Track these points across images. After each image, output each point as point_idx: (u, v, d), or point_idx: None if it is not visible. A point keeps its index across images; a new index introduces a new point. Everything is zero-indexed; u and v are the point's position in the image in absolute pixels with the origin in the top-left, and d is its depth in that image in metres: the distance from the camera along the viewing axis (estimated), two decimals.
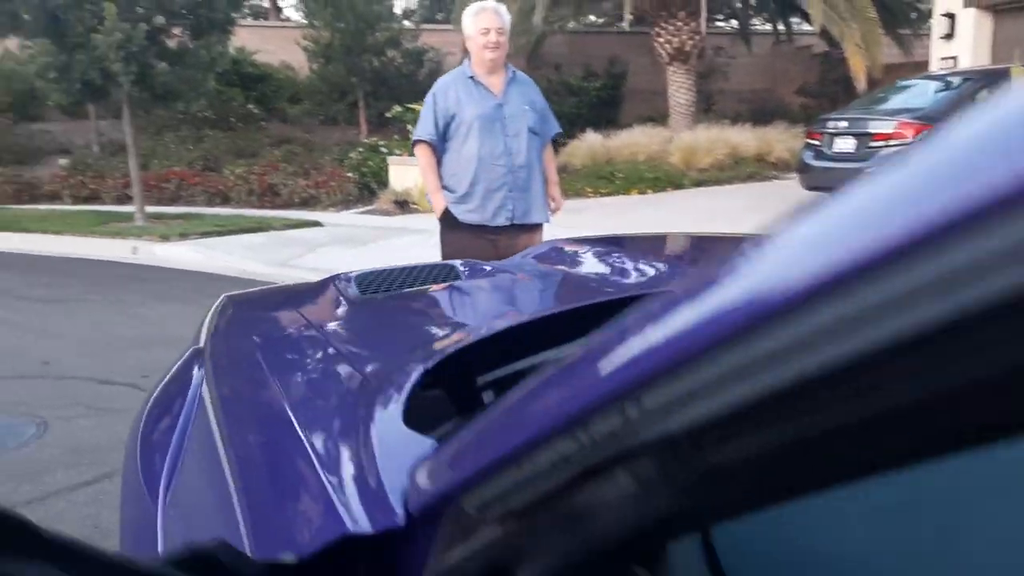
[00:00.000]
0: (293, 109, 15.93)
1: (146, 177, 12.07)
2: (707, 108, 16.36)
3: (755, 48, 17.43)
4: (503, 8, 3.58)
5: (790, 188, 9.95)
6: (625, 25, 13.98)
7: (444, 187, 3.55)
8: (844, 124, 8.55)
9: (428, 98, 3.55)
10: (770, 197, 10.55)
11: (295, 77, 16.20)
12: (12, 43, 11.70)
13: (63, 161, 13.38)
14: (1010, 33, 11.74)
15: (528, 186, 3.53)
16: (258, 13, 22.19)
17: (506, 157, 3.47)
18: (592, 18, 19.43)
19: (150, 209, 10.30)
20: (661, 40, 14.38)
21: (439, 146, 3.53)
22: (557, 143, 13.39)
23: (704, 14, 12.79)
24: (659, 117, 14.90)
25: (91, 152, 13.94)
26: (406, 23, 17.11)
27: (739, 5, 17.36)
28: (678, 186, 12.04)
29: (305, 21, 15.57)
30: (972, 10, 11.87)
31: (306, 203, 11.66)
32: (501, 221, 3.49)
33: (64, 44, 8.55)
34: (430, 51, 16.25)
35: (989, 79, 8.31)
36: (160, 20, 8.82)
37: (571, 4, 14.91)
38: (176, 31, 9.45)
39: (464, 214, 3.49)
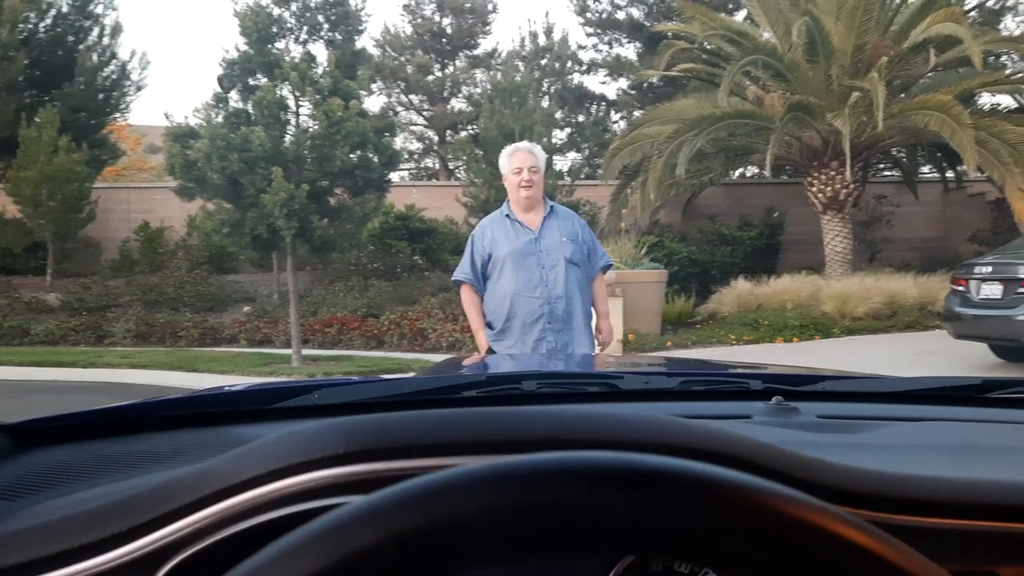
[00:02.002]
0: (454, 260, 16.89)
1: (312, 322, 13.14)
2: (871, 257, 15.81)
3: (924, 196, 16.83)
4: (538, 148, 3.73)
5: (949, 339, 9.35)
6: (768, 174, 14.01)
7: (488, 325, 3.65)
8: (989, 269, 8.04)
9: (468, 240, 3.74)
10: (925, 346, 9.93)
11: (457, 231, 17.27)
12: (211, 205, 13.41)
13: (246, 308, 14.79)
14: None
15: (569, 318, 3.55)
16: (431, 174, 24.08)
17: (542, 288, 3.52)
18: (754, 170, 19.59)
19: (308, 352, 11.14)
20: (814, 189, 14.27)
21: (479, 286, 3.65)
22: (708, 291, 13.26)
23: (849, 164, 12.60)
24: (817, 266, 14.57)
25: (271, 300, 15.34)
26: (564, 180, 17.97)
27: (901, 154, 16.95)
28: (827, 334, 11.60)
29: (467, 179, 16.74)
30: None
31: (453, 347, 12.17)
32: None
33: (240, 203, 9.71)
34: (586, 204, 16.90)
35: None
36: (323, 182, 9.87)
37: (720, 157, 15.15)
38: (337, 190, 10.48)
39: (504, 351, 3.54)
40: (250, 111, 10.20)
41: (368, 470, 0.54)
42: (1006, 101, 15.29)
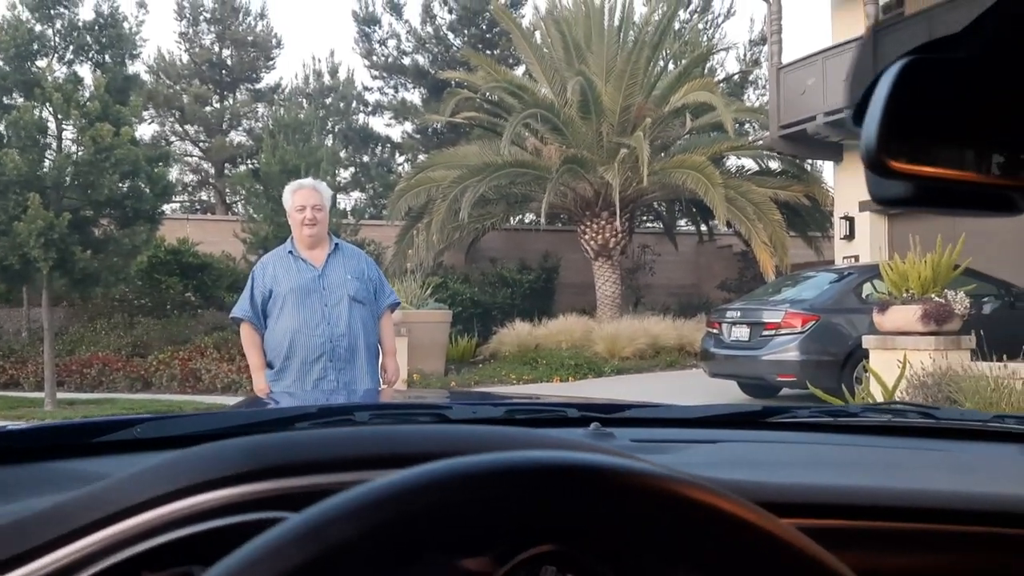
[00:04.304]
0: (230, 297, 16.20)
1: (69, 363, 12.07)
2: (636, 301, 16.98)
3: (682, 247, 18.39)
4: (323, 185, 3.71)
5: (704, 377, 10.21)
6: (543, 221, 14.80)
7: (268, 364, 3.53)
8: (739, 314, 8.96)
9: (249, 276, 3.62)
10: (684, 384, 10.79)
11: (235, 267, 16.61)
12: None
13: None
14: (904, 232, 12.60)
15: (352, 356, 3.49)
16: (207, 208, 23.04)
17: (324, 326, 3.44)
18: (532, 217, 20.49)
19: (64, 395, 10.23)
20: (587, 237, 15.18)
21: (259, 324, 3.53)
22: (489, 331, 13.50)
23: (619, 215, 13.59)
24: (589, 308, 15.43)
25: (19, 338, 13.92)
26: (349, 219, 17.86)
27: (663, 208, 18.48)
28: (599, 373, 12.29)
29: (246, 214, 16.20)
30: (867, 213, 12.77)
31: (228, 388, 11.64)
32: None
33: None
34: (371, 244, 16.87)
35: (870, 273, 8.85)
36: (87, 212, 9.19)
37: (501, 203, 15.76)
38: (104, 220, 9.79)
39: (282, 390, 3.41)
40: (2, 132, 9.35)
41: (271, 488, 0.56)
42: (749, 164, 17.12)
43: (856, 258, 12.71)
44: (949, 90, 0.45)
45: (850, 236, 13.09)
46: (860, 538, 0.74)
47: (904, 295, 7.27)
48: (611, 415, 1.18)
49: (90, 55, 10.13)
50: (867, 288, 8.70)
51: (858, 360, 8.04)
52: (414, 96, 24.02)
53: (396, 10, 23.29)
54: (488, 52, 20.27)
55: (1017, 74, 0.45)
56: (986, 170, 0.45)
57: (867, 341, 7.57)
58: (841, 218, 13.20)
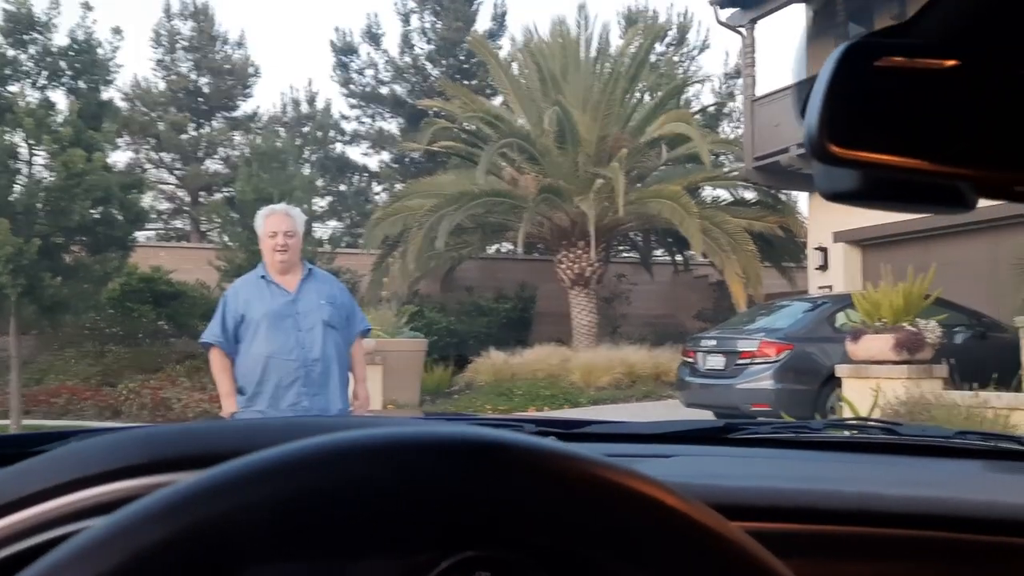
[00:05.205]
0: (203, 325, 16.01)
1: (36, 392, 11.85)
2: (613, 330, 17.00)
3: (657, 277, 18.47)
4: (296, 211, 3.71)
5: (680, 406, 10.21)
6: (520, 250, 14.84)
7: (239, 391, 3.50)
8: (714, 343, 8.97)
9: (220, 301, 3.61)
10: (660, 414, 10.78)
11: (209, 295, 16.46)
12: None
13: None
14: (877, 261, 12.75)
15: (325, 381, 3.48)
16: (182, 235, 22.88)
17: (299, 351, 3.43)
18: (509, 246, 20.54)
19: (29, 422, 10.01)
20: (563, 267, 15.20)
21: (229, 349, 3.50)
22: (465, 361, 13.42)
23: (594, 244, 13.64)
24: (565, 337, 15.40)
25: None
26: (325, 247, 17.81)
27: (639, 238, 18.58)
28: (575, 404, 12.24)
29: (221, 242, 16.10)
30: (841, 244, 12.91)
31: (199, 417, 11.47)
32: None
33: None
34: (347, 272, 16.80)
35: (843, 302, 8.92)
36: (58, 238, 9.09)
37: (478, 232, 15.77)
38: (75, 247, 9.68)
39: (253, 417, 3.37)
40: None
41: (168, 480, 0.53)
42: (724, 195, 17.27)
43: (830, 288, 12.82)
44: (894, 74, 0.44)
45: (824, 266, 13.20)
46: (813, 543, 0.72)
47: (877, 324, 7.33)
48: (569, 431, 1.16)
49: (63, 80, 10.06)
50: (841, 317, 8.76)
51: (832, 389, 8.07)
52: (391, 125, 24.12)
53: (374, 40, 23.45)
54: (466, 82, 20.39)
55: (966, 60, 0.44)
56: (933, 158, 0.44)
57: (840, 370, 7.61)
58: (815, 248, 13.32)
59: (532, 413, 11.44)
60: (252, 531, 0.40)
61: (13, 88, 9.78)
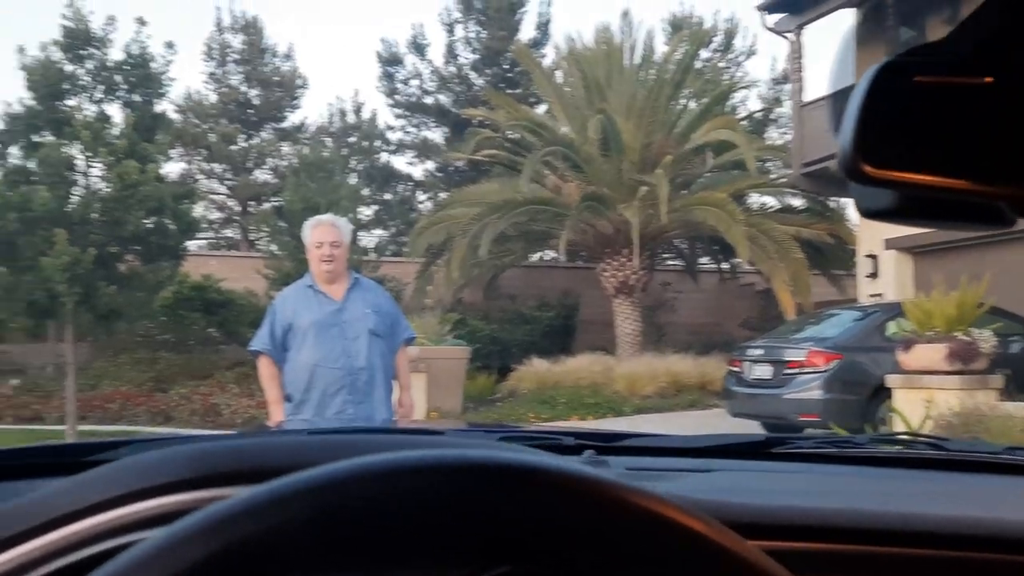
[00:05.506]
0: (252, 333, 16.26)
1: (92, 397, 12.15)
2: (657, 339, 16.89)
3: (703, 284, 18.30)
4: (342, 221, 3.76)
5: (727, 416, 10.09)
6: (563, 258, 14.82)
7: (287, 398, 3.54)
8: (761, 352, 8.86)
9: (268, 310, 3.67)
10: (706, 423, 10.66)
11: (257, 303, 16.72)
12: None
13: (14, 382, 13.46)
14: (929, 270, 12.47)
15: (370, 390, 3.51)
16: (231, 244, 23.29)
17: (344, 359, 3.46)
18: (552, 254, 20.54)
19: (85, 428, 10.28)
20: (606, 275, 15.15)
21: (277, 356, 3.55)
22: (508, 369, 13.42)
23: (637, 252, 13.57)
24: (609, 346, 15.33)
25: (44, 372, 14.05)
26: (370, 256, 17.98)
27: (684, 245, 18.43)
28: (619, 413, 12.17)
29: (269, 251, 16.35)
30: (892, 251, 12.66)
31: (249, 423, 11.65)
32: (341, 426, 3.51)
33: (15, 267, 8.96)
34: (392, 280, 16.94)
35: (894, 311, 8.74)
36: (113, 247, 9.33)
37: (521, 240, 15.79)
38: (128, 256, 9.92)
39: (299, 424, 3.40)
40: (32, 168, 9.53)
41: (219, 495, 0.54)
42: (771, 202, 17.06)
43: (881, 296, 12.57)
44: (930, 92, 0.44)
45: (874, 274, 12.95)
46: (854, 564, 0.71)
47: (929, 333, 7.17)
48: (608, 443, 1.16)
49: (119, 94, 10.33)
50: (891, 326, 8.58)
51: (882, 399, 7.91)
52: (436, 135, 24.26)
53: (419, 50, 23.63)
54: (510, 91, 20.45)
55: (1002, 76, 0.44)
56: (968, 177, 0.43)
57: (891, 380, 7.46)
58: (865, 256, 13.08)
59: (573, 424, 11.40)
60: (297, 544, 0.42)
61: (71, 102, 10.07)
